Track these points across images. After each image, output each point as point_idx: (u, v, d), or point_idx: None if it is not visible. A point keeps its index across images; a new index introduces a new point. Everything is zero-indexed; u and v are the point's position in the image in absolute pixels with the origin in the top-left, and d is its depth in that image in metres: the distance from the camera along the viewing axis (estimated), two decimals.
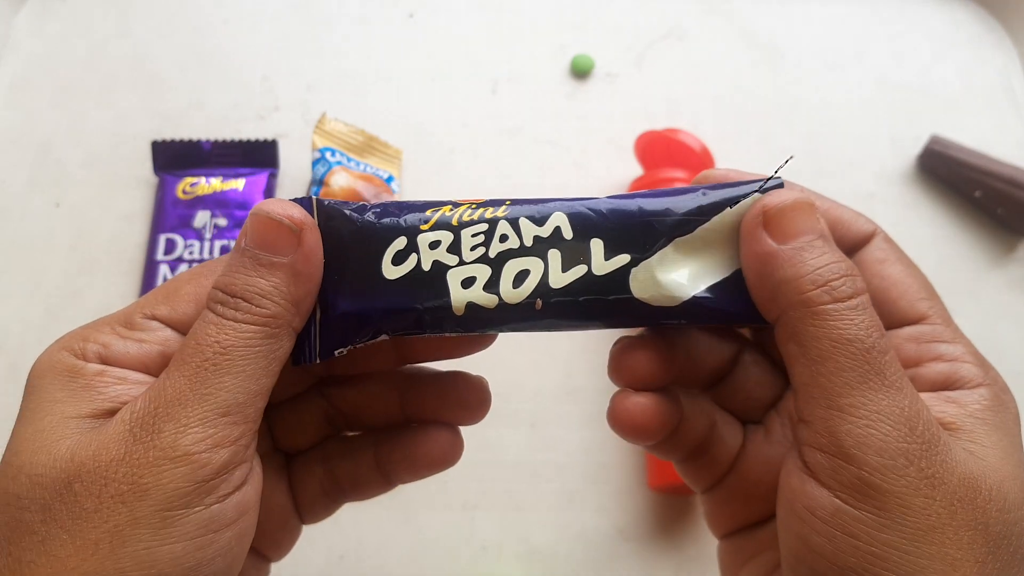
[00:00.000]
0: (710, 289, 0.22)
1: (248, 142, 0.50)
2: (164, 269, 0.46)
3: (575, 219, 0.22)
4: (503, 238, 0.22)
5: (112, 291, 0.48)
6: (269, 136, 0.51)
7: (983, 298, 0.50)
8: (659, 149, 0.49)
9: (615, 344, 0.25)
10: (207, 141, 0.50)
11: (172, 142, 0.50)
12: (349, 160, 0.49)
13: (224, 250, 0.47)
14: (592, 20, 0.59)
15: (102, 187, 0.51)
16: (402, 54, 0.57)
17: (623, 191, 0.51)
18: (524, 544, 0.43)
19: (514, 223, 0.22)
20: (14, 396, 0.48)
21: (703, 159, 0.47)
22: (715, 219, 0.22)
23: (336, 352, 0.22)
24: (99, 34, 0.56)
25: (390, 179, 0.49)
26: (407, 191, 0.51)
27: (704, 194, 0.22)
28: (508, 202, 0.22)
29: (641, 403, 0.24)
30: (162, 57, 0.56)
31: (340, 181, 0.47)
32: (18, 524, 0.19)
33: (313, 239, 0.22)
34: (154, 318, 0.22)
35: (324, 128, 0.48)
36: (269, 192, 0.49)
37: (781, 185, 0.23)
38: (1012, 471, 0.21)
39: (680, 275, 0.22)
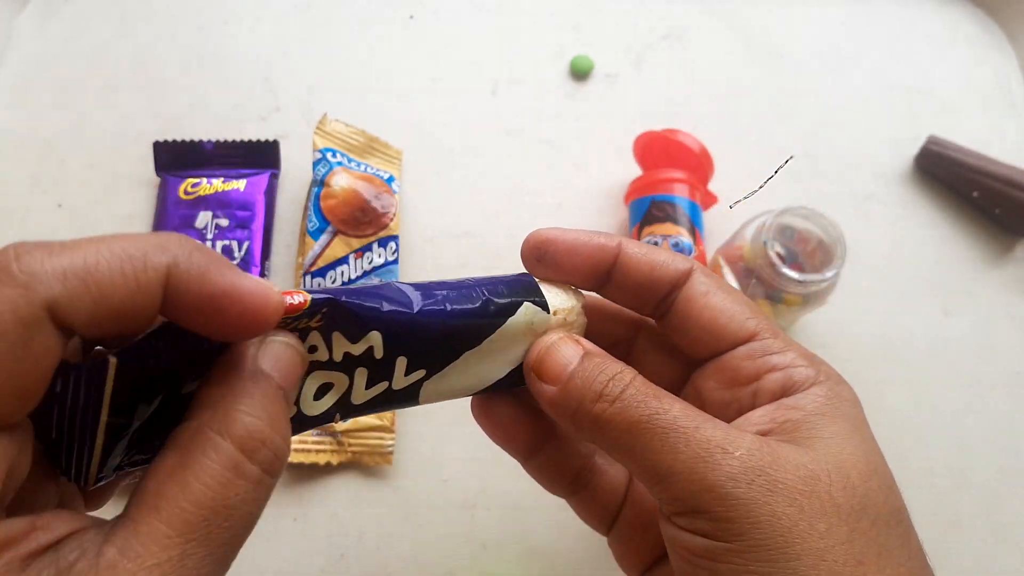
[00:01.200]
0: (493, 387, 0.26)
1: (250, 143, 0.50)
2: None
3: (389, 339, 0.23)
4: (312, 349, 0.22)
5: None
6: (270, 137, 0.51)
7: (980, 298, 0.50)
8: (658, 149, 0.49)
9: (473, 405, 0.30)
10: (209, 142, 0.50)
11: (174, 143, 0.50)
12: (350, 161, 0.49)
13: (225, 251, 0.47)
14: (591, 21, 0.59)
15: (104, 187, 0.51)
16: (403, 55, 0.57)
17: (622, 191, 0.51)
18: (524, 542, 0.43)
19: (327, 336, 0.22)
20: None
21: (702, 159, 0.48)
22: (497, 332, 0.25)
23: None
24: (101, 35, 0.57)
25: (391, 179, 0.49)
26: (407, 191, 0.52)
27: (490, 304, 0.25)
28: (323, 311, 0.21)
29: (504, 408, 0.28)
30: (164, 58, 0.56)
31: (341, 182, 0.47)
32: None
33: None
34: None
35: (325, 129, 0.49)
36: (271, 192, 0.50)
37: (531, 279, 0.27)
38: (852, 451, 0.23)
39: (467, 381, 0.26)
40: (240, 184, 0.49)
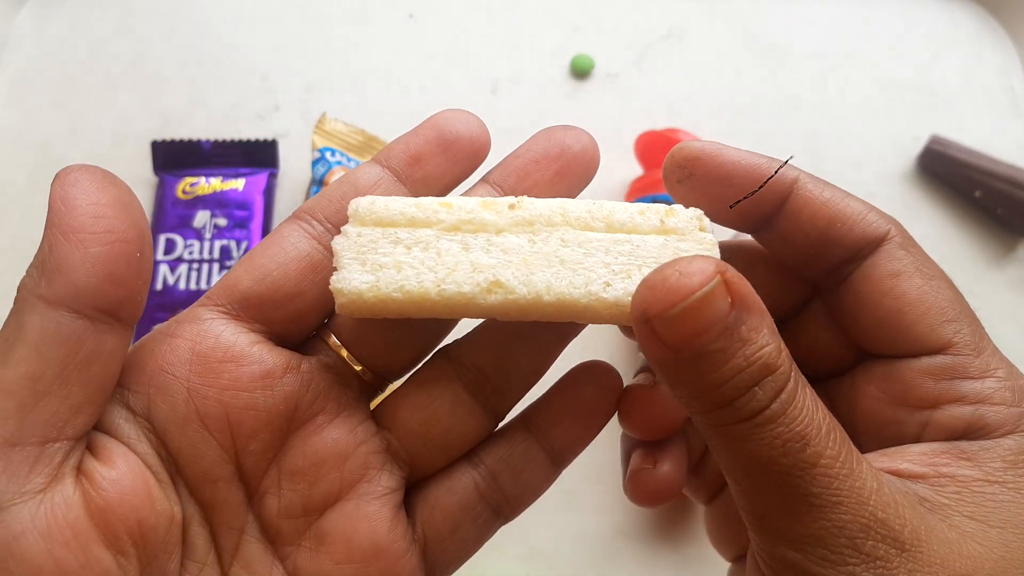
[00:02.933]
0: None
1: (248, 142, 0.50)
2: (164, 269, 0.46)
3: None
4: None
5: None
6: (269, 136, 0.51)
7: (983, 298, 0.50)
8: (659, 149, 0.49)
9: (625, 399, 0.24)
10: (207, 141, 0.50)
11: (172, 142, 0.50)
12: (349, 160, 0.49)
13: (223, 250, 0.47)
14: (592, 20, 0.59)
15: None
16: (402, 54, 0.57)
17: (623, 191, 0.51)
18: (524, 544, 0.43)
19: None
20: None
21: None
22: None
23: None
24: (99, 34, 0.56)
25: None
26: None
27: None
28: None
29: (661, 478, 0.23)
30: (162, 57, 0.56)
31: None
32: None
33: None
34: None
35: (324, 128, 0.48)
36: (269, 192, 0.49)
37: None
38: (1019, 555, 0.17)
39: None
40: (238, 183, 0.49)
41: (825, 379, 0.22)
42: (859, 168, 0.54)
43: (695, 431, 0.24)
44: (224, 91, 0.54)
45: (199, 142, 0.50)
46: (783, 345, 0.17)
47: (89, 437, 0.19)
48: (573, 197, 0.23)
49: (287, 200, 0.51)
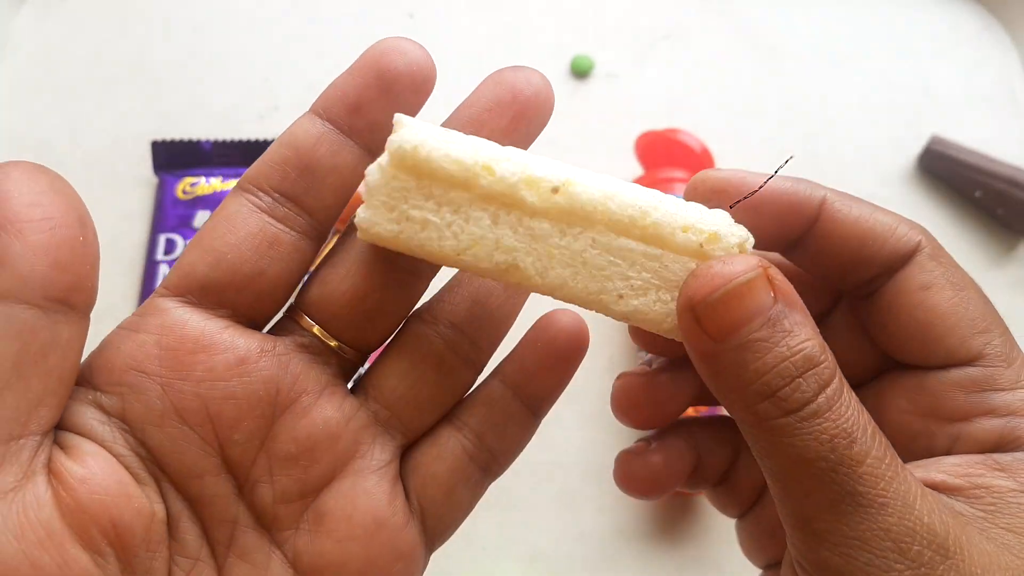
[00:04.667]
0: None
1: (248, 142, 0.50)
2: (164, 269, 0.46)
3: None
4: None
5: (112, 290, 0.48)
6: (269, 136, 0.51)
7: None
8: (659, 149, 0.49)
9: (618, 386, 0.24)
10: (207, 141, 0.50)
11: (172, 142, 0.50)
12: None
13: None
14: (592, 20, 0.59)
15: (102, 187, 0.51)
16: None
17: None
18: (524, 544, 0.43)
19: None
20: None
21: (703, 159, 0.47)
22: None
23: None
24: (99, 34, 0.56)
25: None
26: None
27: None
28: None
29: (649, 466, 0.23)
30: (162, 57, 0.56)
31: None
32: None
33: None
34: None
35: None
36: None
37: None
38: None
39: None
40: None
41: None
42: (859, 168, 0.54)
43: (712, 445, 0.24)
44: (224, 91, 0.54)
45: (199, 142, 0.50)
46: (826, 345, 0.17)
47: (62, 439, 0.19)
48: (530, 142, 0.22)
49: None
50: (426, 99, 0.22)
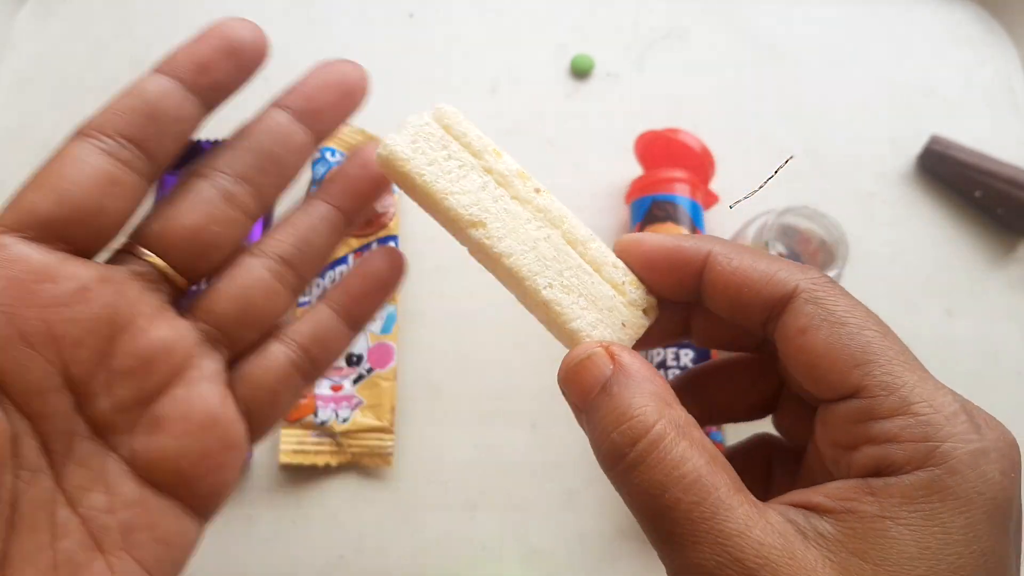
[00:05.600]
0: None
1: None
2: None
3: None
4: None
5: None
6: None
7: (983, 298, 0.50)
8: (659, 149, 0.49)
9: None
10: (207, 141, 0.50)
11: None
12: None
13: None
14: (592, 20, 0.59)
15: None
16: (402, 54, 0.57)
17: (624, 190, 0.51)
18: (524, 544, 0.43)
19: None
20: None
21: (703, 159, 0.47)
22: None
23: None
24: (100, 34, 0.56)
25: None
26: None
27: None
28: None
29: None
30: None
31: None
32: None
33: None
34: None
35: None
36: None
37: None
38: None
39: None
40: None
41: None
42: (859, 168, 0.54)
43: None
44: None
45: (199, 142, 0.50)
46: (654, 406, 0.20)
47: None
48: (348, 118, 0.28)
49: (288, 199, 0.51)
50: (259, 68, 0.28)
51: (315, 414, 0.43)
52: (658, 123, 0.52)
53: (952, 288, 0.51)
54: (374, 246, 0.46)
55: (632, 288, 0.26)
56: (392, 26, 0.58)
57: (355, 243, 0.46)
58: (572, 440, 0.45)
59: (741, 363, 0.26)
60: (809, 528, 0.19)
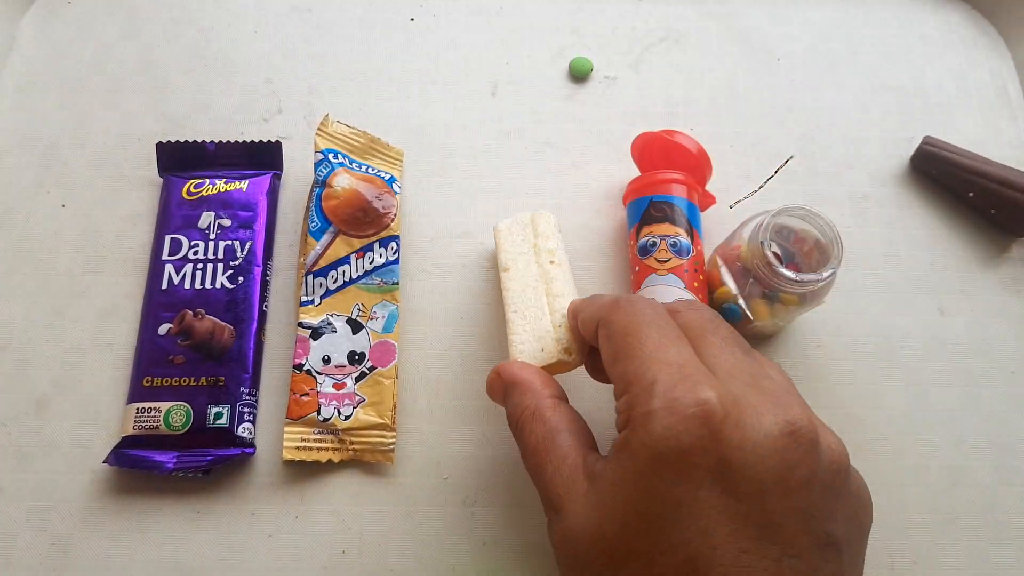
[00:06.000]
0: None
1: (252, 144, 0.51)
2: (169, 269, 0.47)
3: None
4: None
5: (117, 291, 0.48)
6: (273, 138, 0.52)
7: (976, 298, 0.51)
8: (655, 150, 0.50)
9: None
10: (211, 143, 0.51)
11: (177, 143, 0.50)
12: (351, 162, 0.49)
13: (228, 250, 0.47)
14: (590, 23, 0.59)
15: (108, 188, 0.52)
16: (403, 57, 0.57)
17: (621, 191, 0.52)
18: (524, 540, 0.43)
19: None
20: (20, 393, 0.49)
21: (700, 160, 0.48)
22: None
23: None
24: (105, 36, 0.57)
25: (391, 180, 0.49)
26: (408, 192, 0.52)
27: None
28: None
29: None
30: (167, 60, 0.56)
31: (342, 182, 0.48)
32: None
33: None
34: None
35: (326, 130, 0.49)
36: (273, 193, 0.50)
37: None
38: (596, 515, 0.28)
39: None
40: (243, 185, 0.49)
41: None
42: (852, 168, 0.55)
43: None
44: (228, 93, 0.55)
45: (203, 144, 0.51)
46: (529, 400, 0.34)
47: None
48: None
49: (291, 201, 0.52)
50: None
51: (318, 411, 0.44)
52: (655, 125, 0.53)
53: (945, 288, 0.51)
54: (376, 247, 0.47)
55: (564, 333, 0.40)
56: (393, 29, 0.58)
57: (357, 243, 0.47)
58: None
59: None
60: (598, 469, 0.29)
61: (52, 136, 0.53)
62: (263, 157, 0.51)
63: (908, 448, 0.46)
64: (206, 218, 0.48)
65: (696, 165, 0.48)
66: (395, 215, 0.48)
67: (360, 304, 0.46)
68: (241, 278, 0.47)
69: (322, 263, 0.46)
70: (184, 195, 0.49)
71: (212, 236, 0.48)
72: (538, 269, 0.43)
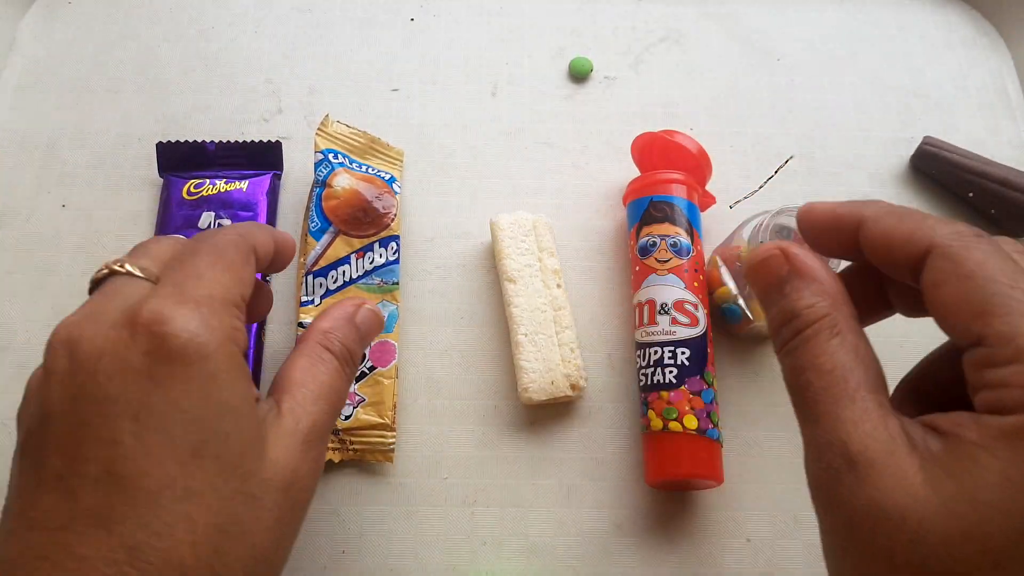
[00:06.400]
0: None
1: (252, 144, 0.51)
2: None
3: None
4: None
5: None
6: (273, 138, 0.52)
7: None
8: (656, 150, 0.50)
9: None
10: (212, 143, 0.51)
11: (177, 144, 0.51)
12: (352, 162, 0.49)
13: None
14: (590, 24, 0.59)
15: (108, 188, 0.52)
16: (403, 57, 0.57)
17: (621, 192, 0.52)
18: (523, 539, 0.43)
19: None
20: (20, 394, 0.49)
21: (700, 160, 0.48)
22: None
23: None
24: (105, 37, 0.57)
25: (392, 180, 0.49)
26: (408, 192, 0.52)
27: None
28: None
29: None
30: (167, 60, 0.56)
31: (342, 182, 0.48)
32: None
33: None
34: (243, 300, 0.29)
35: (326, 130, 0.49)
36: (273, 193, 0.50)
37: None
38: (965, 509, 0.20)
39: None
40: (243, 185, 0.49)
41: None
42: (852, 168, 0.55)
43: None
44: (228, 94, 0.55)
45: (203, 144, 0.51)
46: (824, 303, 0.25)
47: None
48: None
49: (291, 201, 0.52)
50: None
51: None
52: (655, 125, 0.53)
53: None
54: (376, 247, 0.47)
55: (573, 368, 0.43)
56: (393, 29, 0.58)
57: (357, 243, 0.47)
58: (570, 437, 0.46)
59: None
60: (920, 441, 0.22)
61: (52, 136, 0.53)
62: (263, 157, 0.51)
63: None
64: (206, 218, 0.48)
65: (696, 165, 0.48)
66: (395, 215, 0.48)
67: None
68: None
69: (322, 263, 0.46)
70: (184, 195, 0.49)
71: None
72: (545, 290, 0.45)
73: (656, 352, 0.44)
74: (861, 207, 0.26)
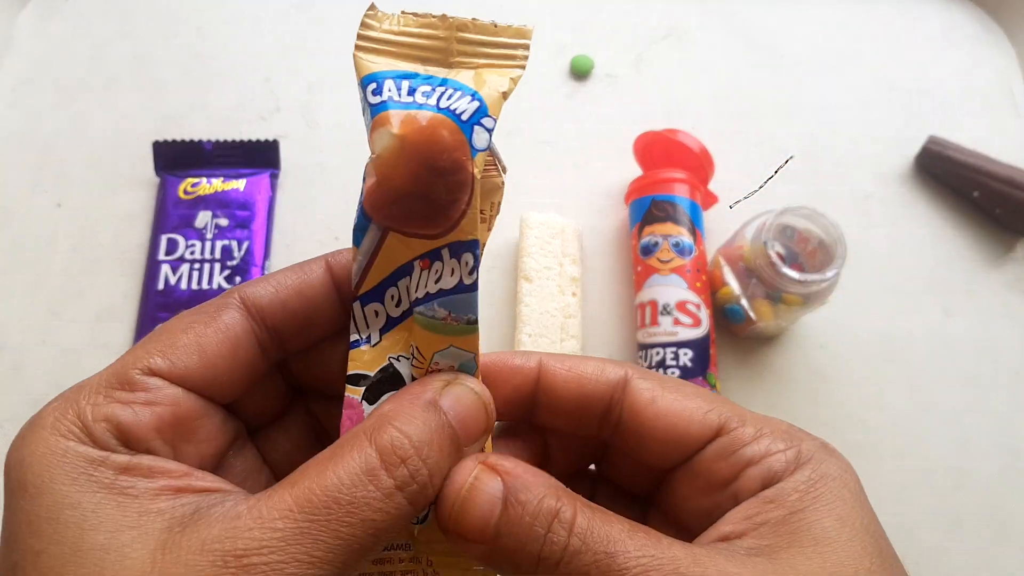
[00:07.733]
0: None
1: (249, 142, 0.50)
2: (166, 269, 0.46)
3: None
4: None
5: (114, 291, 0.48)
6: (270, 137, 0.51)
7: (981, 298, 0.50)
8: (658, 149, 0.49)
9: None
10: (208, 141, 0.50)
11: (174, 142, 0.50)
12: (425, 80, 0.23)
13: (225, 250, 0.47)
14: (592, 21, 0.59)
15: (104, 187, 0.51)
16: None
17: (623, 191, 0.51)
18: None
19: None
20: (17, 395, 0.48)
21: (702, 159, 0.48)
22: None
23: None
24: (101, 35, 0.57)
25: (481, 111, 0.22)
26: None
27: None
28: None
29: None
30: (164, 58, 0.56)
31: (382, 140, 0.22)
32: None
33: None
34: (153, 374, 0.20)
35: (375, 28, 0.23)
36: (271, 192, 0.50)
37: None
38: (846, 555, 0.20)
39: None
40: (240, 184, 0.49)
41: (644, 497, 0.26)
42: (857, 168, 0.54)
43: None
44: (225, 92, 0.55)
45: (201, 143, 0.50)
46: (563, 491, 0.20)
47: None
48: None
49: (288, 200, 0.51)
50: None
51: None
52: (657, 124, 0.53)
53: (950, 288, 0.51)
54: (445, 256, 0.23)
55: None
56: None
57: (418, 246, 0.23)
58: None
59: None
60: (733, 552, 0.20)
61: (48, 135, 0.53)
62: (261, 156, 0.50)
63: (912, 450, 0.46)
64: (203, 217, 0.48)
65: (698, 164, 0.48)
66: (470, 199, 0.22)
67: (415, 347, 0.23)
68: (239, 278, 0.46)
69: (372, 280, 0.23)
70: (181, 194, 0.48)
71: (209, 236, 0.47)
72: (559, 295, 0.44)
73: (658, 353, 0.43)
74: (528, 356, 0.24)
